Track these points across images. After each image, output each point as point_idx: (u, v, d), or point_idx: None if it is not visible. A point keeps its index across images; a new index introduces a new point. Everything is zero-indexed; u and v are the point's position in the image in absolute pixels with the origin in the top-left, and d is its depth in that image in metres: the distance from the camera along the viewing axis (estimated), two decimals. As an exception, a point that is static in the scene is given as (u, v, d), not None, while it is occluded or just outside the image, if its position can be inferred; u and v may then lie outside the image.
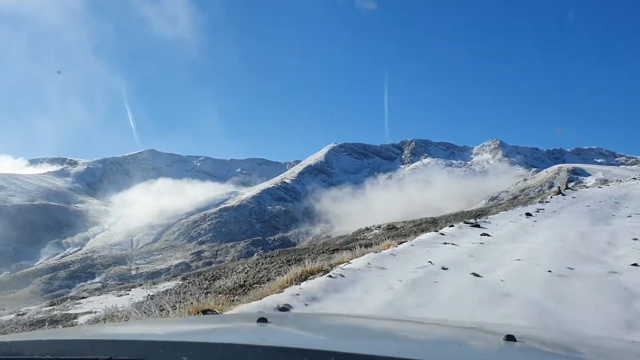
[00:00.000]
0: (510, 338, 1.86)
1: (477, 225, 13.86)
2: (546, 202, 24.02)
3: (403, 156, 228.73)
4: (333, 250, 13.18)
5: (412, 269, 7.06)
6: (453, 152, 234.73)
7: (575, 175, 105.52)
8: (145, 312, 5.57)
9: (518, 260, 7.85)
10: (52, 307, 13.52)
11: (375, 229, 26.81)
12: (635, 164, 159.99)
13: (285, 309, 5.02)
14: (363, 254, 8.54)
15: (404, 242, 10.34)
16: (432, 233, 11.97)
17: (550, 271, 6.80)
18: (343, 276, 6.47)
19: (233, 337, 2.16)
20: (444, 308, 5.14)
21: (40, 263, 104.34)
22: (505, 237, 11.32)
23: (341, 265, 7.30)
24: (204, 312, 4.89)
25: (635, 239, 10.00)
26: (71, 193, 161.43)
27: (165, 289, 11.87)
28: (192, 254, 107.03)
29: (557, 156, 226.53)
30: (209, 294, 7.03)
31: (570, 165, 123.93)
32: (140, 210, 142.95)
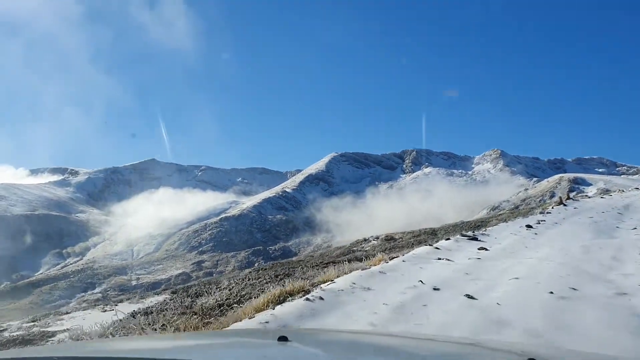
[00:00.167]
0: None
1: (475, 238, 13.28)
2: (547, 212, 23.30)
3: (404, 165, 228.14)
4: (327, 264, 12.81)
5: (401, 290, 6.54)
6: (454, 162, 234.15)
7: (577, 185, 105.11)
8: (112, 335, 5.28)
9: (517, 279, 7.25)
10: (33, 323, 13.19)
11: (374, 240, 26.52)
12: (637, 174, 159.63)
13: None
14: (352, 270, 8.02)
15: (395, 257, 9.79)
16: (427, 247, 11.40)
17: (552, 292, 6.22)
18: (322, 299, 5.98)
19: (253, 355, 2.14)
20: None
21: (41, 273, 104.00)
22: (504, 252, 10.73)
23: (324, 284, 6.81)
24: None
25: (644, 254, 9.31)
26: (72, 203, 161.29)
27: (152, 303, 11.60)
28: (192, 264, 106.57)
29: (558, 166, 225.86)
30: (184, 315, 6.70)
31: (571, 175, 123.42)
32: (141, 220, 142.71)
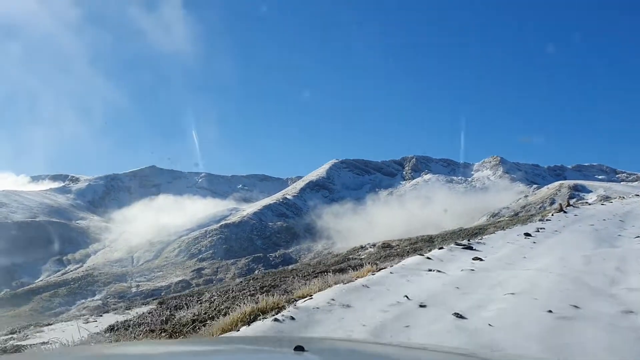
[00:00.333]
0: None
1: (470, 247, 12.69)
2: (547, 220, 22.76)
3: (404, 172, 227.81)
4: (318, 273, 12.56)
5: (384, 307, 6.01)
6: (454, 169, 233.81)
7: (577, 192, 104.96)
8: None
9: (512, 294, 6.68)
10: (10, 336, 12.92)
11: (370, 248, 26.26)
12: (636, 181, 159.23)
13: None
14: (337, 283, 7.52)
15: (383, 268, 9.27)
16: (418, 257, 10.83)
17: (550, 311, 5.63)
18: (293, 319, 5.44)
19: None
20: None
21: (41, 280, 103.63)
22: (500, 263, 10.11)
23: (301, 300, 6.31)
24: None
25: (649, 265, 8.71)
26: (72, 210, 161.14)
27: (136, 314, 11.36)
28: (192, 271, 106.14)
29: (558, 173, 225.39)
30: (153, 332, 6.45)
31: (571, 182, 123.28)
32: (140, 226, 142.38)
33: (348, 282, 7.66)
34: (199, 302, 9.70)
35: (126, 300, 70.40)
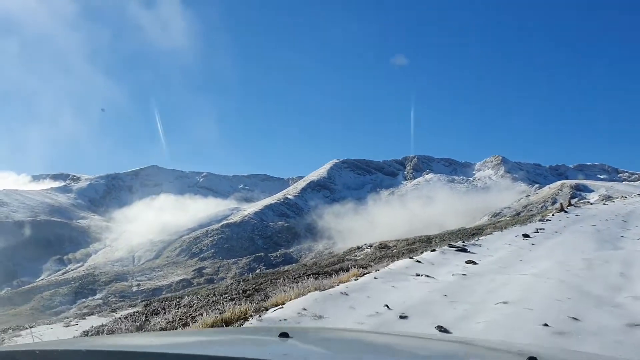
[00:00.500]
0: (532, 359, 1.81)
1: (464, 250, 12.18)
2: (547, 220, 22.11)
3: (405, 172, 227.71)
4: (309, 275, 12.28)
5: (360, 319, 5.50)
6: (455, 168, 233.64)
7: (578, 192, 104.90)
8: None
9: (505, 303, 6.06)
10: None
11: (367, 248, 25.97)
12: (638, 180, 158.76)
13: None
14: (317, 289, 7.05)
15: (367, 273, 8.74)
16: (407, 260, 10.25)
17: (546, 324, 5.02)
18: None
19: (254, 351, 2.17)
20: None
21: (42, 279, 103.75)
22: (495, 267, 9.45)
23: (271, 309, 5.88)
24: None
25: (656, 269, 8.02)
26: (73, 209, 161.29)
27: (121, 316, 11.11)
28: (193, 271, 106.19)
29: (559, 172, 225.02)
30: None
31: (573, 182, 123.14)
32: (142, 226, 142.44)
33: (328, 288, 7.27)
34: (177, 306, 9.45)
35: (128, 299, 70.38)
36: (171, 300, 12.74)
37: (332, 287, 7.39)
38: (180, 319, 7.26)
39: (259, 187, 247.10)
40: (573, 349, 3.86)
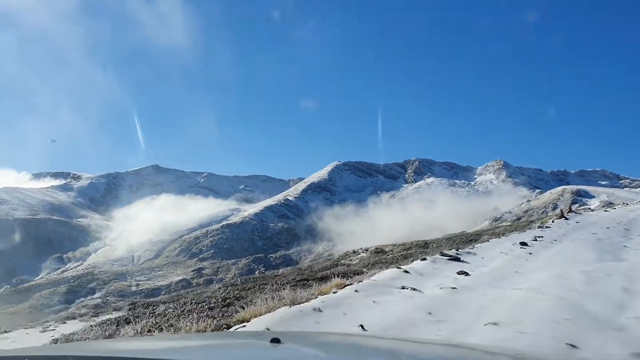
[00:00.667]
0: None
1: (457, 259, 11.56)
2: (546, 227, 21.49)
3: (406, 175, 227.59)
4: (298, 281, 12.07)
5: None
6: (456, 172, 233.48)
7: (579, 197, 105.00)
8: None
9: (495, 324, 5.45)
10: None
11: (363, 252, 25.89)
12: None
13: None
14: (294, 303, 6.64)
15: (348, 284, 8.19)
16: (394, 270, 9.64)
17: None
18: None
19: (245, 356, 2.23)
20: None
21: (41, 277, 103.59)
22: (488, 279, 8.87)
23: (235, 327, 5.58)
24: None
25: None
26: (74, 207, 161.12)
27: (102, 320, 11.05)
28: (193, 271, 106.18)
29: (561, 177, 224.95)
30: None
31: (574, 187, 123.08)
32: (142, 225, 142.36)
33: (305, 302, 6.84)
34: (151, 314, 9.42)
35: (127, 299, 70.32)
36: (155, 306, 12.61)
37: (309, 300, 7.05)
38: (149, 330, 7.28)
39: (260, 188, 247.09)
40: None
